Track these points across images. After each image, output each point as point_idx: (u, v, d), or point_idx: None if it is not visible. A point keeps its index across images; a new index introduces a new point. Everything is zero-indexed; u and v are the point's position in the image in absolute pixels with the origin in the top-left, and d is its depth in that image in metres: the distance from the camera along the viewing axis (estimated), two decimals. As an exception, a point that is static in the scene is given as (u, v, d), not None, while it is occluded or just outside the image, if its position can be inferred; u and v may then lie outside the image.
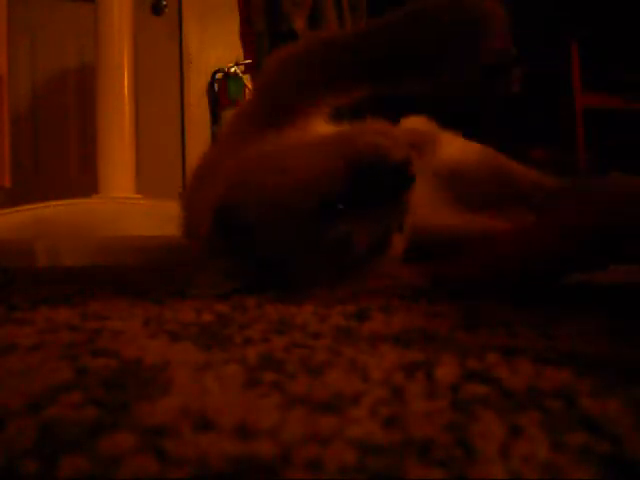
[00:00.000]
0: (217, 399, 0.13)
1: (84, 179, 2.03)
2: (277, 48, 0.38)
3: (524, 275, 0.33)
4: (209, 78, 2.26)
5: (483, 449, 0.10)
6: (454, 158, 0.44)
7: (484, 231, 0.37)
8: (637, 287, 0.35)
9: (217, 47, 2.30)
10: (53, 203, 0.93)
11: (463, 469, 0.10)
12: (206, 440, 0.11)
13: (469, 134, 0.49)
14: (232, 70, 2.18)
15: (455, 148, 0.45)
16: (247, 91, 2.22)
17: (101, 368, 0.16)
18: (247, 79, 2.25)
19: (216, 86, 2.23)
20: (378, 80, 0.36)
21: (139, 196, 1.11)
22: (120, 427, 0.11)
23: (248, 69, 2.24)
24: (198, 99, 2.31)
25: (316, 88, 0.37)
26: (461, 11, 0.32)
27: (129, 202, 1.06)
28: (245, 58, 2.26)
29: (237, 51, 2.29)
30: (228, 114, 2.16)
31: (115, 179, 1.08)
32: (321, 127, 0.39)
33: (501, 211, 0.41)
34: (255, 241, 0.33)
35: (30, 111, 2.17)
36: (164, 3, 2.30)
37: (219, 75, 2.23)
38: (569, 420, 0.12)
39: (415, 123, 0.46)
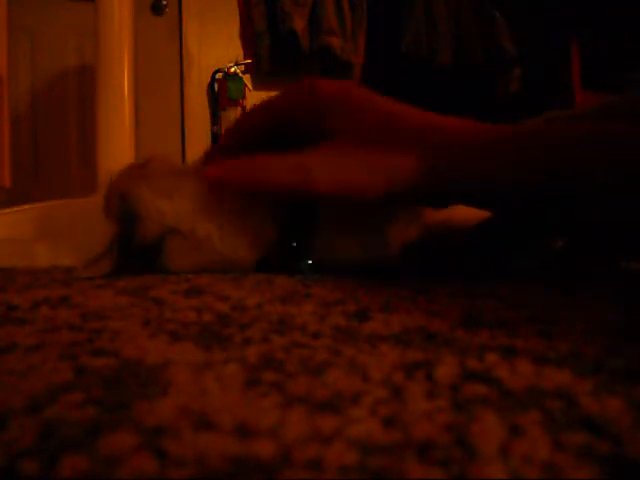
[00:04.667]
0: (217, 399, 0.13)
1: (84, 179, 2.03)
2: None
3: None
4: (209, 78, 2.26)
5: (483, 449, 0.10)
6: None
7: None
8: (637, 286, 0.35)
9: (217, 47, 2.30)
10: (53, 203, 0.93)
11: (463, 469, 0.10)
12: (206, 440, 0.11)
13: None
14: (232, 70, 2.18)
15: None
16: (247, 91, 2.22)
17: (101, 368, 0.16)
18: (247, 79, 2.25)
19: (216, 86, 2.23)
20: None
21: (139, 196, 1.11)
22: (120, 427, 0.11)
23: (248, 69, 2.24)
24: (198, 99, 2.31)
25: None
26: None
27: (129, 202, 1.06)
28: (245, 58, 2.27)
29: (237, 51, 2.30)
30: (228, 114, 2.16)
31: (115, 179, 1.08)
32: None
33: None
34: None
35: (30, 111, 2.17)
36: (164, 3, 2.31)
37: (219, 75, 2.23)
38: (569, 420, 0.12)
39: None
